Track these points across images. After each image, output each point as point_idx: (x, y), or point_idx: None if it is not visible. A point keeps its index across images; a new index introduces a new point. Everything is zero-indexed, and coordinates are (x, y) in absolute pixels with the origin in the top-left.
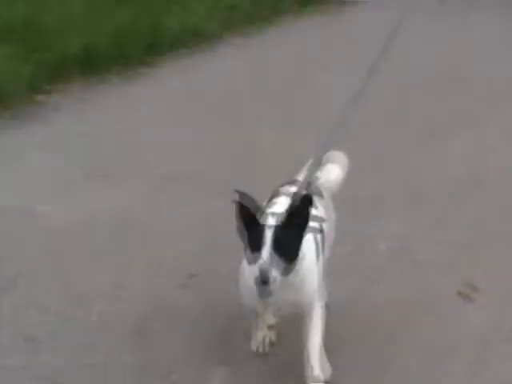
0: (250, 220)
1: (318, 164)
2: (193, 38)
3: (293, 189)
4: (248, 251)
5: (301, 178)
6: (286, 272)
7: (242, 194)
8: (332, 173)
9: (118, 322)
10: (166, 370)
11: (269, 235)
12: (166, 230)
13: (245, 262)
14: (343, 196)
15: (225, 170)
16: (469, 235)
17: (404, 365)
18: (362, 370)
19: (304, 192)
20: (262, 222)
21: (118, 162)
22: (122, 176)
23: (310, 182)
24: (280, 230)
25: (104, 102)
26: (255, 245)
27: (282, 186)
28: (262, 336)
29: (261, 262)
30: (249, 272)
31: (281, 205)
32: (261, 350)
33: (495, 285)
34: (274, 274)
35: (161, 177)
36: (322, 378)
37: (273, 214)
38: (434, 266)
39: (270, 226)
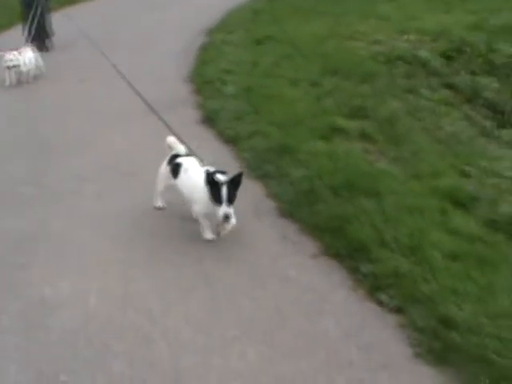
0: (214, 183)
1: None
2: None
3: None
4: (212, 200)
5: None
6: (232, 206)
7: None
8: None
9: None
10: None
11: (225, 191)
12: None
13: (203, 197)
14: None
15: None
16: None
17: None
18: None
19: (240, 171)
20: (219, 183)
21: None
22: None
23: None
24: (229, 188)
25: None
26: (218, 198)
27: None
28: (209, 227)
29: (224, 207)
30: (210, 205)
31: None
32: (212, 236)
33: None
34: (230, 210)
35: None
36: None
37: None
38: None
39: (223, 184)
